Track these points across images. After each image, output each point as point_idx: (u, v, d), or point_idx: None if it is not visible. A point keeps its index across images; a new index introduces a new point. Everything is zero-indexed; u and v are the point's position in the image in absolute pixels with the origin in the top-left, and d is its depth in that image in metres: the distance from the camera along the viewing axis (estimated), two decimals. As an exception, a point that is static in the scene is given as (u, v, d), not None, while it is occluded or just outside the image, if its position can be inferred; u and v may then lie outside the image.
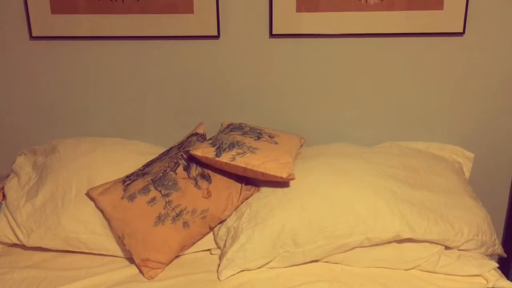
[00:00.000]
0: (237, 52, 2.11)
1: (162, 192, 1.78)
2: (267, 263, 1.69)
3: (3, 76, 2.20)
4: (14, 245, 1.84)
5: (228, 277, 1.65)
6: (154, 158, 1.95)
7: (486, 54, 2.06)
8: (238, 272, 1.67)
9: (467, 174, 2.12)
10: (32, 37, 2.13)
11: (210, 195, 1.80)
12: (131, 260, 1.75)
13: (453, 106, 2.14)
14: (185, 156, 1.89)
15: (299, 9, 2.02)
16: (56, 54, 2.16)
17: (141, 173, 1.87)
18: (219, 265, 1.69)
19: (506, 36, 2.03)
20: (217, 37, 2.09)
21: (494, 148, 2.19)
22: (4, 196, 1.93)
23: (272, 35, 2.07)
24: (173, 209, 1.75)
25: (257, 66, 2.13)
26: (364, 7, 2.01)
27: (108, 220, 1.79)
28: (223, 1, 2.04)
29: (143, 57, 2.14)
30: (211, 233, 1.83)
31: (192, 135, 2.03)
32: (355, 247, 1.69)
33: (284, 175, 1.75)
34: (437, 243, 1.69)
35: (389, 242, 1.69)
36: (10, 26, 2.13)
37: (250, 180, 1.88)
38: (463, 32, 2.01)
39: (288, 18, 2.04)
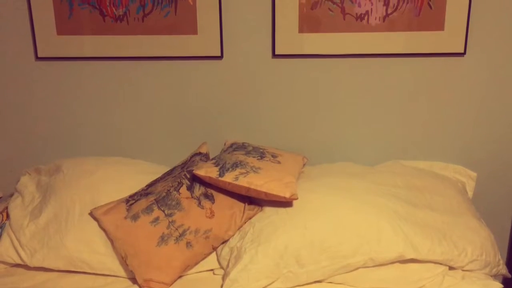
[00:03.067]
0: (240, 72, 2.13)
1: (166, 212, 1.78)
2: (270, 284, 1.68)
3: (8, 96, 2.22)
4: (17, 265, 1.84)
5: (231, 297, 1.64)
6: (158, 178, 1.95)
7: (487, 74, 2.07)
8: (241, 293, 1.66)
9: (470, 194, 2.12)
10: (37, 58, 2.15)
11: (213, 215, 1.80)
12: (134, 280, 1.75)
13: (455, 126, 2.14)
14: (188, 176, 1.89)
15: (301, 30, 2.05)
16: (61, 75, 2.18)
17: (144, 192, 1.87)
18: (222, 286, 1.67)
19: (507, 57, 2.04)
20: (220, 57, 2.11)
21: (497, 167, 2.19)
22: (7, 216, 1.93)
23: (275, 55, 2.09)
24: (176, 229, 1.75)
25: (260, 86, 2.15)
26: (366, 28, 2.03)
27: (111, 240, 1.78)
28: (227, 22, 2.07)
29: (147, 77, 2.16)
30: (214, 253, 1.83)
31: (195, 154, 2.04)
32: (358, 268, 1.69)
33: (287, 195, 1.76)
34: (441, 264, 1.69)
35: (392, 263, 1.69)
36: (16, 47, 2.15)
37: (253, 200, 1.88)
38: (464, 53, 2.03)
39: (291, 38, 2.06)
